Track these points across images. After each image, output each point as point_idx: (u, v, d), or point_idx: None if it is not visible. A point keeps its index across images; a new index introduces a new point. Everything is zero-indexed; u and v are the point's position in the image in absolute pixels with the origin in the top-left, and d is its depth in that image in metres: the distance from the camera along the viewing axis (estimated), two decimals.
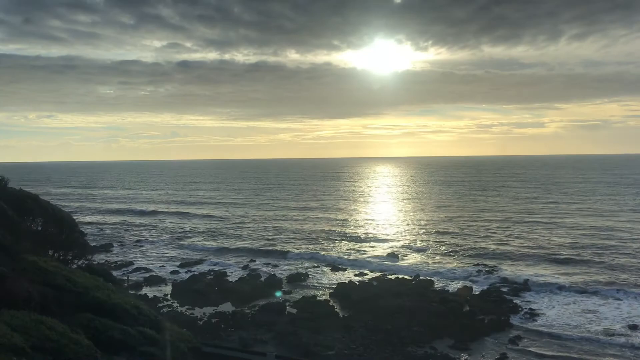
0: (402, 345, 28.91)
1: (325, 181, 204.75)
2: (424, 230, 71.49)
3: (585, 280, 43.54)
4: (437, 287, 41.56)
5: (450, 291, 40.03)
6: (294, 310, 35.38)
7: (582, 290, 40.51)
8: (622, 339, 30.11)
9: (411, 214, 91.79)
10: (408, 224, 77.96)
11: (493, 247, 58.73)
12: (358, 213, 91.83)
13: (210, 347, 23.27)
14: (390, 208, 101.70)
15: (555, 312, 35.41)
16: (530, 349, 28.92)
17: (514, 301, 37.49)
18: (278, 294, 39.27)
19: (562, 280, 43.94)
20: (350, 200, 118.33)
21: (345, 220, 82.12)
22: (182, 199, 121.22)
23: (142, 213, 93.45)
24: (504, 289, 40.92)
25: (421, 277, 44.49)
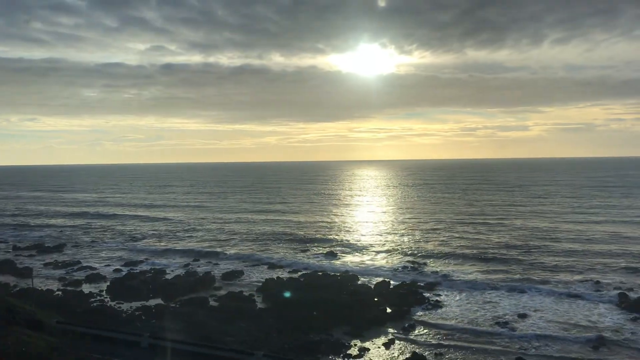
0: (303, 333, 31.55)
1: (300, 184, 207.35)
2: (372, 231, 74.47)
3: (501, 277, 46.52)
4: (359, 282, 44.31)
5: (368, 285, 42.87)
6: (217, 304, 37.91)
7: (493, 286, 43.48)
8: (506, 327, 33.08)
9: (368, 215, 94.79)
10: (360, 225, 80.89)
11: (431, 246, 61.73)
12: (316, 215, 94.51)
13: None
14: (350, 210, 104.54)
15: (457, 305, 38.39)
16: (417, 337, 31.71)
17: (424, 294, 40.37)
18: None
19: (480, 276, 46.96)
20: (315, 203, 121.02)
21: (301, 222, 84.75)
22: (149, 202, 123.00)
23: (105, 216, 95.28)
24: (421, 284, 43.83)
25: (350, 273, 47.30)
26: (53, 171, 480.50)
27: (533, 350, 29.55)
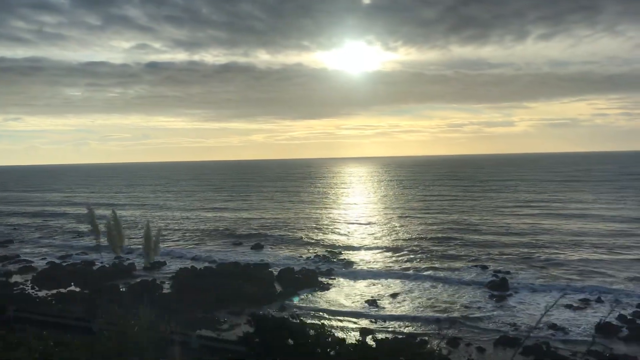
0: (190, 313, 35.81)
1: (275, 182, 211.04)
2: (307, 226, 78.86)
3: (405, 266, 50.93)
4: (268, 270, 48.59)
5: (273, 272, 47.25)
6: (124, 290, 42.09)
7: (390, 273, 47.97)
8: (372, 308, 37.66)
9: (313, 211, 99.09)
10: (299, 221, 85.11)
11: (353, 238, 66.68)
12: (266, 212, 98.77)
13: None
14: (299, 207, 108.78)
15: (344, 288, 42.97)
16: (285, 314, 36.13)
17: (319, 279, 44.85)
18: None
19: (384, 265, 51.59)
20: (273, 200, 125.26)
21: (247, 218, 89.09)
22: (113, 202, 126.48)
23: (62, 214, 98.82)
24: (323, 270, 48.34)
25: (263, 263, 51.68)
26: (34, 171, 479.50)
27: (381, 326, 34.13)
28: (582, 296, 39.11)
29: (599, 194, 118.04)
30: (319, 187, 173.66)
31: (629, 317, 34.03)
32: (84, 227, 79.21)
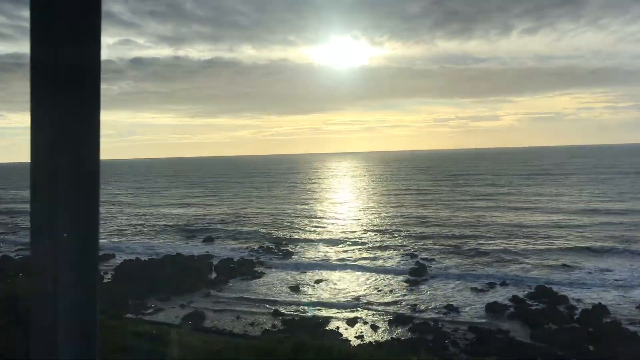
0: (122, 300, 38.55)
1: (252, 178, 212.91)
2: (264, 220, 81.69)
3: (341, 256, 54.00)
4: (209, 261, 51.46)
5: (212, 263, 50.17)
6: None
7: (321, 265, 50.51)
8: (295, 295, 40.79)
9: (277, 206, 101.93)
10: (259, 215, 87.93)
11: (300, 233, 69.67)
12: (232, 206, 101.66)
13: None
14: (269, 201, 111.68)
15: (272, 277, 46.04)
16: (202, 304, 38.49)
17: (254, 269, 47.92)
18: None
19: (317, 256, 54.29)
20: (242, 196, 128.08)
21: (209, 214, 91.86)
22: None
23: (6, 212, 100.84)
24: (261, 260, 51.49)
25: (210, 254, 54.61)
26: (17, 169, 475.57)
27: (294, 309, 37.25)
28: (489, 281, 42.52)
29: (559, 187, 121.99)
30: (293, 183, 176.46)
31: (520, 298, 37.49)
32: (23, 223, 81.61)
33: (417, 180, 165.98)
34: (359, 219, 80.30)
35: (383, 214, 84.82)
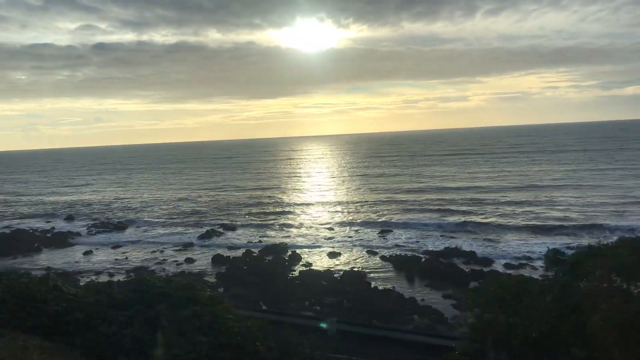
0: None
1: (210, 163, 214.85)
2: (197, 207, 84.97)
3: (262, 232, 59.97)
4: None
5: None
6: None
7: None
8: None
9: (214, 192, 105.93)
10: (192, 201, 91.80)
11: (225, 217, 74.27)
12: (167, 191, 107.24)
13: None
14: (205, 187, 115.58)
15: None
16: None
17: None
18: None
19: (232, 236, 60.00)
20: (190, 179, 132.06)
21: (157, 197, 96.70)
22: (28, 188, 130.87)
23: None
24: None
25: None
26: None
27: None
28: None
29: (493, 166, 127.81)
30: (249, 169, 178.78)
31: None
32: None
33: (368, 161, 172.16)
34: (297, 204, 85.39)
35: (323, 196, 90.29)
